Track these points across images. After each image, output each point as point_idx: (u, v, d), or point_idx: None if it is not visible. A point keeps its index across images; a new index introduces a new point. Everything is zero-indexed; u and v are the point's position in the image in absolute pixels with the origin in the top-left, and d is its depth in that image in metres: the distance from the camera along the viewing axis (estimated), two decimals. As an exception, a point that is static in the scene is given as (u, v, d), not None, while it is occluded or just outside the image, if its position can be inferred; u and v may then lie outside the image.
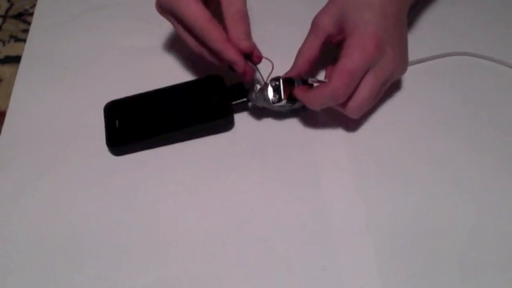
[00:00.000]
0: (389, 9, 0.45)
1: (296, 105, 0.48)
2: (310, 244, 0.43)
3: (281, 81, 0.47)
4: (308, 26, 0.48)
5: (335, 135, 0.49)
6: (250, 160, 0.48)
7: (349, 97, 0.45)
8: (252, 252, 0.42)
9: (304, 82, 0.48)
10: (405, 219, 0.44)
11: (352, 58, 0.43)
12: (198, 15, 0.45)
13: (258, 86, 0.48)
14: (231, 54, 0.45)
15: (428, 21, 0.57)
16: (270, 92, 0.47)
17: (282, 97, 0.47)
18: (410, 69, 0.50)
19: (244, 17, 0.46)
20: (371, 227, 0.43)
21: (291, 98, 0.47)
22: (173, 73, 0.54)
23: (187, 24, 0.46)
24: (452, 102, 0.51)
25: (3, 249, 0.43)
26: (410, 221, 0.44)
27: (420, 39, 0.55)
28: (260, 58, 0.48)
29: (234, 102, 0.50)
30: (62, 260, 0.42)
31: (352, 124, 0.49)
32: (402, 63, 0.47)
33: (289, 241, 0.43)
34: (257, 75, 0.49)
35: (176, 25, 0.48)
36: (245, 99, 0.49)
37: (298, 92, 0.47)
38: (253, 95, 0.48)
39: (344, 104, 0.45)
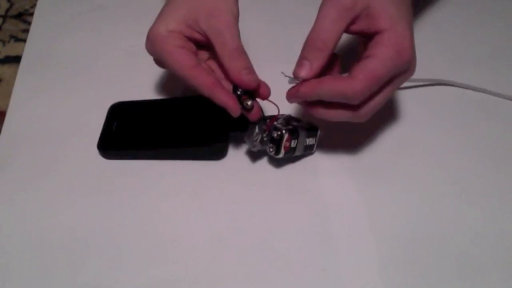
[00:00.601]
0: (411, 10, 0.40)
1: (296, 153, 0.45)
2: (310, 245, 0.43)
3: (284, 132, 0.43)
4: (308, 26, 0.40)
5: (335, 137, 0.49)
6: (250, 163, 0.48)
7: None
8: (252, 253, 0.42)
9: (310, 129, 0.46)
10: (407, 220, 0.44)
11: (386, 62, 0.37)
12: (181, 62, 0.43)
13: (257, 130, 0.44)
14: (222, 97, 0.42)
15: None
16: (268, 144, 0.43)
17: (281, 152, 0.43)
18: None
19: (241, 54, 0.42)
20: (372, 228, 0.43)
21: (291, 149, 0.44)
22: (173, 74, 0.54)
23: (174, 73, 0.44)
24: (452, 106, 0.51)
25: (2, 248, 0.43)
26: (411, 222, 0.44)
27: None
28: (267, 92, 0.43)
29: (232, 132, 0.47)
30: (62, 260, 0.42)
31: (352, 125, 0.49)
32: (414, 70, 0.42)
33: (289, 242, 0.43)
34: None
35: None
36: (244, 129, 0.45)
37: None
38: (250, 141, 0.44)
39: (355, 108, 0.39)
